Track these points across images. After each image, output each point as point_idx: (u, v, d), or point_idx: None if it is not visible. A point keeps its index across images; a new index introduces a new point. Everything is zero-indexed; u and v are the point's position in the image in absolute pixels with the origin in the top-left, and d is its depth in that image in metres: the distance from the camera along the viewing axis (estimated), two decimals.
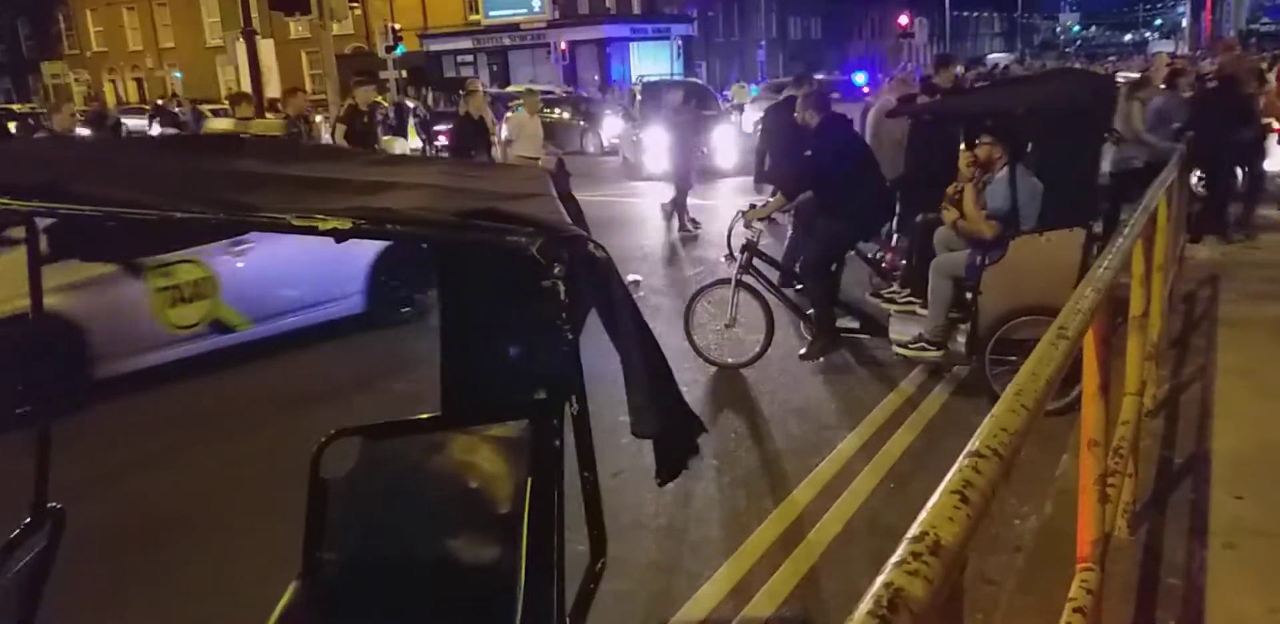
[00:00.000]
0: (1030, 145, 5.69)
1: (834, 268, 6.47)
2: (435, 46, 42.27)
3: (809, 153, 6.30)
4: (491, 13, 41.80)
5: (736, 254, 6.24)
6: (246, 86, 15.05)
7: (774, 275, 6.44)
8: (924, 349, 5.65)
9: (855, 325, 6.27)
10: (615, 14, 41.39)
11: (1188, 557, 3.46)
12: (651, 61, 40.09)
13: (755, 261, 6.22)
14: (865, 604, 1.02)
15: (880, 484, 4.59)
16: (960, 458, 1.39)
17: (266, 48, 15.31)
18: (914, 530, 1.18)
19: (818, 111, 6.36)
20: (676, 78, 32.37)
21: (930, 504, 1.26)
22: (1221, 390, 5.04)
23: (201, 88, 42.93)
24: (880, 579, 1.06)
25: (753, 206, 6.45)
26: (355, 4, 16.67)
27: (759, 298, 6.23)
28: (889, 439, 5.11)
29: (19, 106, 36.30)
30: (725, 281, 6.28)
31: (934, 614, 1.07)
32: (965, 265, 5.45)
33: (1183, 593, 3.24)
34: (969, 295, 5.47)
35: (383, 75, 27.49)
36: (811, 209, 6.63)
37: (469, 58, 42.72)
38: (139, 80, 51.39)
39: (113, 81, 52.09)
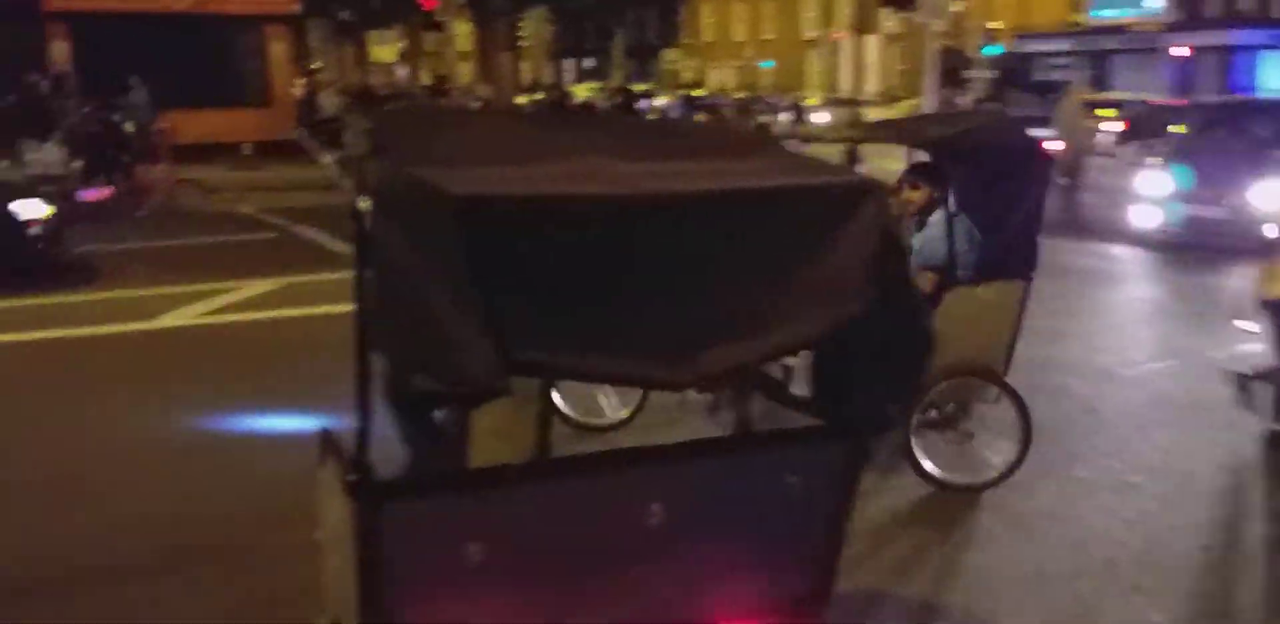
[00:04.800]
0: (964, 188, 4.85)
1: None
2: (1029, 47, 40.42)
3: None
4: (1096, 13, 38.95)
5: None
6: (846, 81, 15.47)
7: None
8: None
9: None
10: (1250, 18, 36.11)
11: None
12: None
13: None
14: None
15: None
16: None
17: (870, 44, 15.60)
18: None
19: None
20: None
21: None
22: None
23: (789, 80, 45.87)
24: None
25: None
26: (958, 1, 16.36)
27: None
28: None
29: (639, 86, 41.85)
30: None
31: None
32: None
33: None
34: None
35: (968, 74, 26.99)
36: None
37: (1062, 61, 40.23)
38: (738, 69, 56.44)
39: (715, 69, 57.79)
